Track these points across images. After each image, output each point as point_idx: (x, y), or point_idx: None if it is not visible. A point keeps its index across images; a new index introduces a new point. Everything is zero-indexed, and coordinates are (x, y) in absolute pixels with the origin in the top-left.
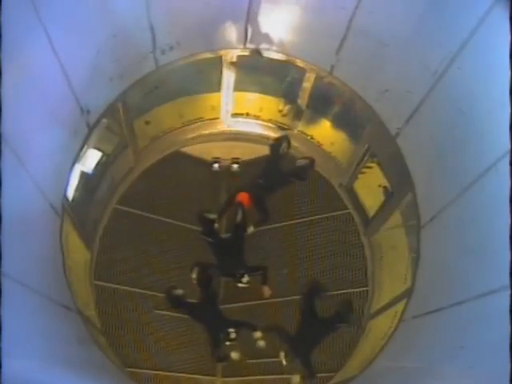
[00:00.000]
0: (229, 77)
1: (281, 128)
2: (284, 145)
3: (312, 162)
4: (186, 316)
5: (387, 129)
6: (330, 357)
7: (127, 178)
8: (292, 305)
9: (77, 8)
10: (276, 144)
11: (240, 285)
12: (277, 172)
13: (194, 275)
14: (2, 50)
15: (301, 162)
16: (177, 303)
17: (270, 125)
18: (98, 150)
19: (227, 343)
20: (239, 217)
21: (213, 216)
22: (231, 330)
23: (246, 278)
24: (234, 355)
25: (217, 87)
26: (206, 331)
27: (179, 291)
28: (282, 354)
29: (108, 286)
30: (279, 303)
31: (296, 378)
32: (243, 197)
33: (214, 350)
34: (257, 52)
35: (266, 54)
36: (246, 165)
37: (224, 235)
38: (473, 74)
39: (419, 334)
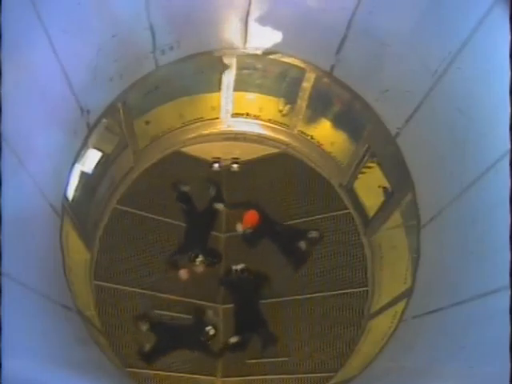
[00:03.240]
0: (229, 77)
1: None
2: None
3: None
4: (187, 316)
5: (387, 129)
6: (329, 357)
7: (127, 177)
8: (293, 305)
9: (77, 8)
10: None
11: (195, 267)
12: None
13: (144, 327)
14: (2, 50)
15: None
16: (148, 358)
17: (270, 125)
18: (98, 149)
19: (209, 342)
20: (212, 192)
21: (186, 188)
22: (208, 328)
23: (199, 259)
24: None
25: (217, 87)
26: (189, 349)
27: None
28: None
29: (108, 286)
30: (279, 303)
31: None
32: (251, 215)
33: (207, 353)
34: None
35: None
36: (245, 165)
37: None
38: (473, 73)
39: (419, 334)
